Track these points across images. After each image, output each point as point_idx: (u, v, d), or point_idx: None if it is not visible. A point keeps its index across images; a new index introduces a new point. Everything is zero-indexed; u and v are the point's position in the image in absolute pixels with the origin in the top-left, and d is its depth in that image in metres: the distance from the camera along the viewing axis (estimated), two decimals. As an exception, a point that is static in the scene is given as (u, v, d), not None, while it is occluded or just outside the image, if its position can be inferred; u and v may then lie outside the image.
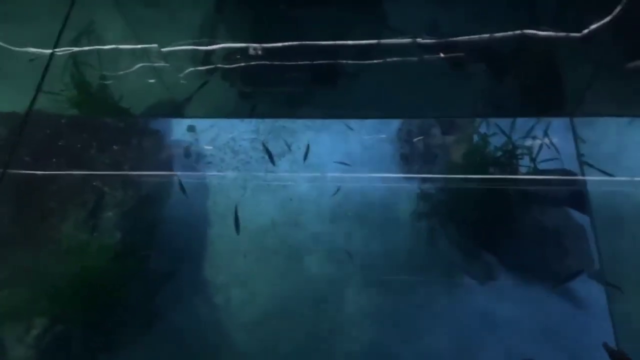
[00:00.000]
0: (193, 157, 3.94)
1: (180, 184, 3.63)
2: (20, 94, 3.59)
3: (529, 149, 3.72)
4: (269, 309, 3.35)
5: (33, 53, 3.75)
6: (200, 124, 4.07)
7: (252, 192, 3.80)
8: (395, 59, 3.74)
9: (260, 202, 3.77)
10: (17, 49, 3.78)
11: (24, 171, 3.55)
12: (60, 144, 3.69)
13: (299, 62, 3.70)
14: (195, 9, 4.05)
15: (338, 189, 3.76)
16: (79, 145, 3.71)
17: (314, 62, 3.70)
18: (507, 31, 3.74)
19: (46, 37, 3.66)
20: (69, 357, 3.24)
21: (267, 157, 3.78)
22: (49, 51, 3.67)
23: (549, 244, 3.47)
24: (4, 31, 3.91)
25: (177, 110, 3.88)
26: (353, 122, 3.96)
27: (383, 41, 3.77)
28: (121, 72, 3.77)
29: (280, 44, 3.76)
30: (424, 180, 3.80)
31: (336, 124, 4.01)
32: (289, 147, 3.92)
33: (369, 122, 4.00)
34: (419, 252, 3.56)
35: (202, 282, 3.51)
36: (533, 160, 3.69)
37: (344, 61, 3.75)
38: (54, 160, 3.62)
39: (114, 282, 3.44)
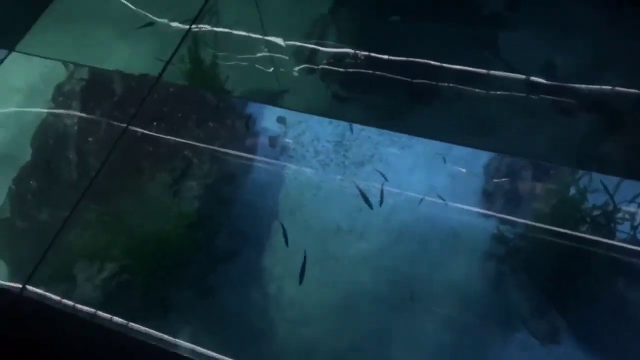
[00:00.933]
0: (277, 148, 4.06)
1: (284, 232, 3.69)
2: (147, 59, 3.97)
3: (632, 215, 3.36)
4: (315, 311, 3.33)
5: (168, 24, 4.13)
6: (291, 117, 4.20)
7: (325, 193, 3.82)
8: (499, 92, 3.60)
9: (331, 206, 3.78)
10: (156, 18, 4.20)
11: (135, 128, 3.90)
12: (164, 109, 4.02)
13: (399, 77, 3.70)
14: (309, 8, 4.22)
15: (422, 200, 3.65)
16: (179, 115, 4.01)
17: (414, 80, 3.68)
18: (630, 87, 3.44)
19: (185, 10, 3.99)
20: (128, 305, 3.46)
21: (361, 196, 3.75)
22: (186, 26, 3.99)
23: (628, 323, 3.08)
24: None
25: (273, 100, 4.05)
26: (441, 146, 3.85)
27: (492, 72, 3.65)
28: (233, 56, 4.03)
29: (386, 56, 3.80)
30: (504, 221, 3.58)
31: (422, 144, 3.92)
32: (370, 159, 3.90)
33: (457, 150, 3.84)
34: (482, 294, 3.34)
35: (259, 270, 3.58)
36: (634, 228, 3.33)
37: (445, 84, 3.68)
38: (155, 123, 3.96)
39: (182, 249, 3.65)
